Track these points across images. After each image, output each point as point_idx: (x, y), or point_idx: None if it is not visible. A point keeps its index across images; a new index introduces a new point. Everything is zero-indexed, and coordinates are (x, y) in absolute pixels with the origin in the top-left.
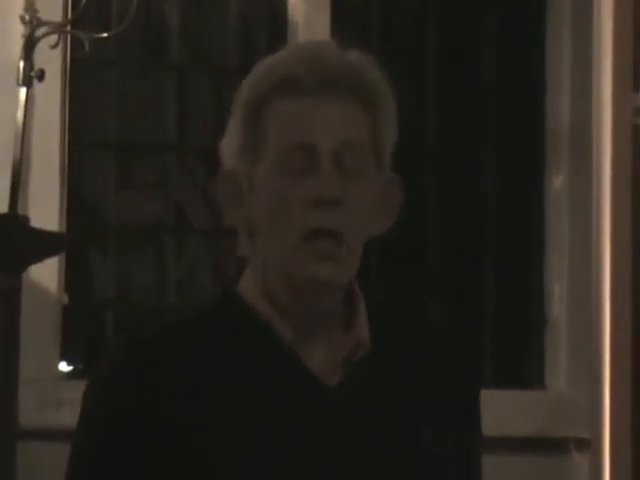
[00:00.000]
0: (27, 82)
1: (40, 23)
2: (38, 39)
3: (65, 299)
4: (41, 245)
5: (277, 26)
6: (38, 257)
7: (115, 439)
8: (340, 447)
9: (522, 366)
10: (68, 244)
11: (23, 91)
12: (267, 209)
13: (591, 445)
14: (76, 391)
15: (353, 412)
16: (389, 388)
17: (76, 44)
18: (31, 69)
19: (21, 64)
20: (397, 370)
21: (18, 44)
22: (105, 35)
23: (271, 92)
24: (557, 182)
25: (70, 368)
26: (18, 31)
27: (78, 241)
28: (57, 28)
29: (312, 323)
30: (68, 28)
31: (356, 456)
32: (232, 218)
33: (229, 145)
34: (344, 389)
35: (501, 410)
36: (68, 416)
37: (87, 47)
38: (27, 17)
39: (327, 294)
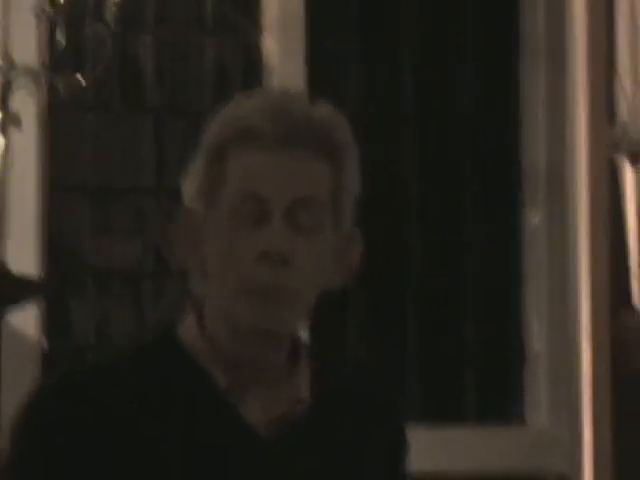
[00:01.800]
0: (3, 128)
1: (15, 68)
2: (14, 85)
3: (44, 344)
4: (19, 290)
5: (252, 70)
6: (16, 302)
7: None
8: None
9: (503, 402)
10: (46, 289)
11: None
12: (217, 255)
13: None
14: None
15: (285, 466)
16: (324, 445)
17: (52, 89)
18: (7, 115)
19: None
20: (333, 428)
21: None
22: (81, 79)
23: (234, 140)
24: (534, 218)
25: None
26: None
27: (57, 286)
28: (32, 73)
29: (251, 373)
30: (44, 73)
31: None
32: (187, 259)
33: (190, 184)
34: (278, 443)
35: (482, 446)
36: None
37: (62, 92)
38: (2, 63)
39: (269, 343)
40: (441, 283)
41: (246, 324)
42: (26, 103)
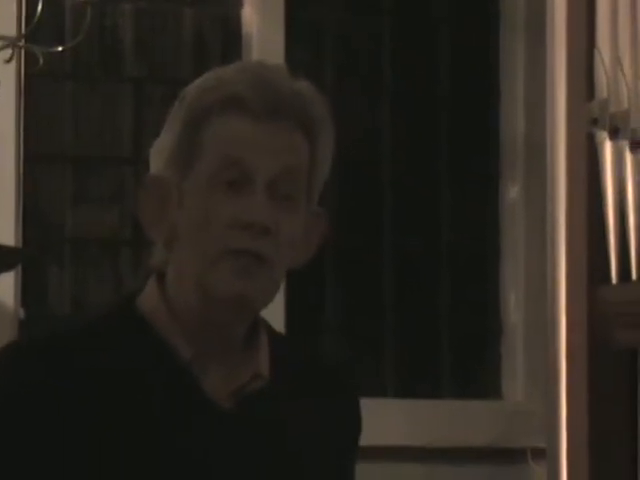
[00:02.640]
0: None
1: None
2: None
3: (21, 313)
4: None
5: (231, 40)
6: None
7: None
8: (227, 471)
9: (479, 376)
10: (24, 258)
11: None
12: (193, 223)
13: (548, 455)
14: None
15: (244, 438)
16: (281, 419)
17: (30, 58)
18: None
19: None
20: (289, 403)
21: None
22: (59, 49)
23: (215, 108)
24: (512, 192)
25: None
26: None
27: (34, 255)
28: (11, 42)
29: (214, 345)
30: (22, 42)
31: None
32: (152, 227)
33: (160, 152)
34: (235, 415)
35: (459, 420)
36: None
37: (41, 61)
38: None
39: (241, 313)
40: (417, 256)
41: (224, 291)
42: (4, 72)
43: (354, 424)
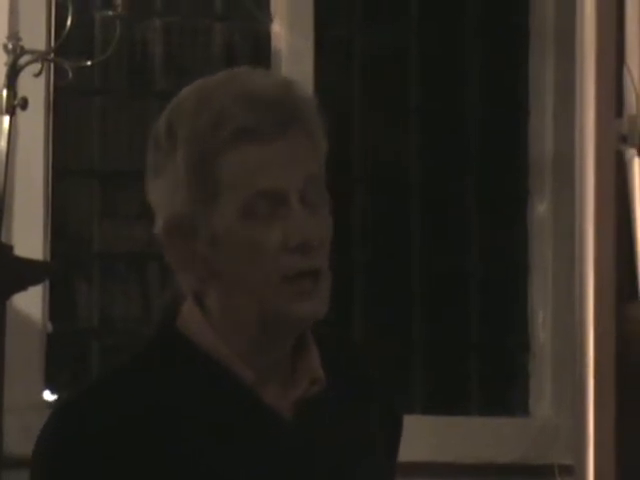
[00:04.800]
0: (10, 110)
1: (23, 51)
2: (21, 67)
3: (49, 327)
4: (25, 273)
5: (260, 55)
6: (22, 285)
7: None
8: (298, 478)
9: (507, 393)
10: (52, 272)
11: (6, 120)
12: (236, 256)
13: (575, 471)
14: None
15: (310, 444)
16: (340, 421)
17: (60, 72)
18: (14, 97)
19: (4, 92)
20: (344, 403)
21: (1, 72)
22: (89, 63)
23: (223, 143)
24: (540, 209)
25: (54, 396)
26: (1, 59)
27: (62, 269)
28: (40, 56)
29: (270, 362)
30: (51, 56)
31: None
32: (182, 268)
33: (171, 190)
34: (303, 424)
35: (486, 437)
36: None
37: (70, 75)
38: (10, 45)
39: (300, 332)
40: (446, 272)
41: (288, 317)
42: (34, 86)
43: (397, 424)
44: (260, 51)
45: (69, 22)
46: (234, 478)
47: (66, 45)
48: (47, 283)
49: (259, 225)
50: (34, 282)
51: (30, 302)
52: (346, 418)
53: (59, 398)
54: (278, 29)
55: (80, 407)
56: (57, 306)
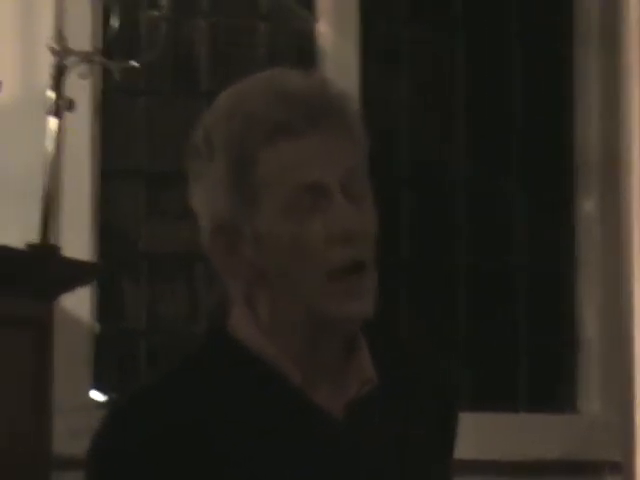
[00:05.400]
0: (57, 112)
1: (69, 52)
2: (67, 69)
3: (97, 328)
4: (72, 274)
5: (305, 54)
6: (70, 286)
7: None
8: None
9: (555, 390)
10: (99, 273)
11: (53, 121)
12: (280, 254)
13: (623, 468)
14: None
15: (361, 446)
16: (391, 420)
17: (106, 74)
18: (61, 99)
19: (51, 94)
20: (398, 403)
21: (47, 74)
22: (135, 64)
23: (260, 142)
24: (588, 206)
25: (102, 397)
26: (47, 61)
27: (109, 270)
28: (86, 58)
29: (321, 364)
30: (98, 58)
31: None
32: (230, 275)
33: (214, 198)
34: (355, 425)
35: (535, 434)
36: None
37: (117, 77)
38: (56, 47)
39: (350, 332)
40: (493, 269)
41: (340, 315)
42: (80, 88)
43: (452, 418)
44: (305, 51)
45: (115, 23)
46: (282, 477)
47: (112, 46)
48: (95, 284)
49: (301, 220)
50: (82, 283)
51: (78, 303)
52: (398, 418)
53: (111, 401)
54: (323, 29)
55: (132, 412)
56: (104, 307)
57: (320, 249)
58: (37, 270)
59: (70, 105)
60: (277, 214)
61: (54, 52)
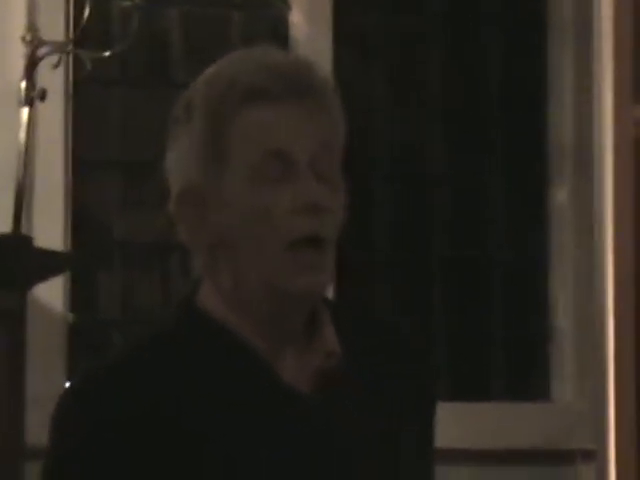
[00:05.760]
0: (29, 102)
1: (41, 43)
2: (40, 59)
3: (70, 318)
4: (45, 264)
5: (279, 44)
6: (43, 276)
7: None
8: (317, 453)
9: (528, 378)
10: (73, 263)
11: (25, 111)
12: (244, 220)
13: (597, 456)
14: None
15: (329, 420)
16: (362, 394)
17: (78, 63)
18: (33, 89)
19: (23, 84)
20: (366, 377)
21: (19, 64)
22: (107, 54)
23: (236, 104)
24: (560, 195)
25: None
26: (19, 51)
27: (83, 260)
28: (59, 48)
29: (284, 334)
30: (70, 48)
31: (335, 461)
32: (194, 239)
33: (185, 161)
34: (319, 398)
35: (508, 422)
36: None
37: (89, 66)
38: (28, 37)
39: (307, 305)
40: (466, 259)
41: (292, 288)
42: (52, 77)
43: (429, 385)
44: (278, 40)
45: (87, 13)
46: (252, 450)
47: (84, 36)
48: (68, 274)
49: (267, 188)
50: (55, 273)
51: (51, 293)
52: (369, 394)
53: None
54: (297, 18)
55: (98, 387)
56: (78, 297)
57: (282, 219)
58: (9, 260)
59: (43, 95)
60: (244, 179)
61: (26, 42)
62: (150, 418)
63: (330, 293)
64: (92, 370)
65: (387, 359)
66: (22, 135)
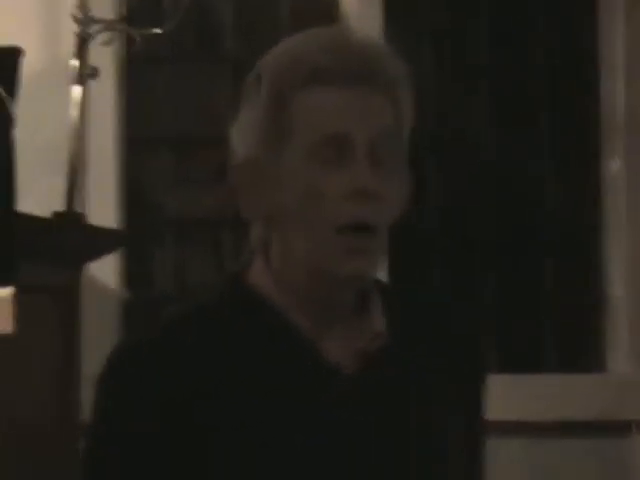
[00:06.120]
0: (81, 80)
1: (92, 21)
2: (91, 37)
3: (125, 295)
4: (98, 242)
5: (329, 20)
6: (96, 254)
7: (131, 432)
8: (358, 434)
9: (583, 349)
10: (126, 240)
11: (77, 89)
12: (297, 200)
13: None
14: None
15: (370, 400)
16: (406, 377)
17: (129, 41)
18: (84, 67)
19: (74, 62)
20: (414, 359)
21: (70, 42)
22: (158, 31)
23: (298, 83)
24: (614, 166)
25: None
26: (71, 29)
27: (136, 237)
28: (109, 25)
29: (330, 315)
30: (121, 25)
31: (374, 442)
32: (250, 209)
33: (247, 132)
34: (362, 378)
35: (563, 394)
36: None
37: (140, 43)
38: (79, 15)
39: (353, 288)
40: (520, 232)
41: (338, 271)
42: (104, 55)
43: (478, 370)
44: (328, 16)
45: None
46: (289, 433)
47: (135, 13)
48: (122, 251)
49: (322, 171)
50: (108, 250)
51: (105, 271)
52: (415, 377)
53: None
54: None
55: (139, 363)
56: (132, 274)
57: (333, 203)
58: (64, 238)
59: (94, 73)
60: (301, 159)
61: (77, 20)
62: (187, 398)
63: (384, 276)
64: (133, 342)
65: (436, 343)
66: (74, 113)
